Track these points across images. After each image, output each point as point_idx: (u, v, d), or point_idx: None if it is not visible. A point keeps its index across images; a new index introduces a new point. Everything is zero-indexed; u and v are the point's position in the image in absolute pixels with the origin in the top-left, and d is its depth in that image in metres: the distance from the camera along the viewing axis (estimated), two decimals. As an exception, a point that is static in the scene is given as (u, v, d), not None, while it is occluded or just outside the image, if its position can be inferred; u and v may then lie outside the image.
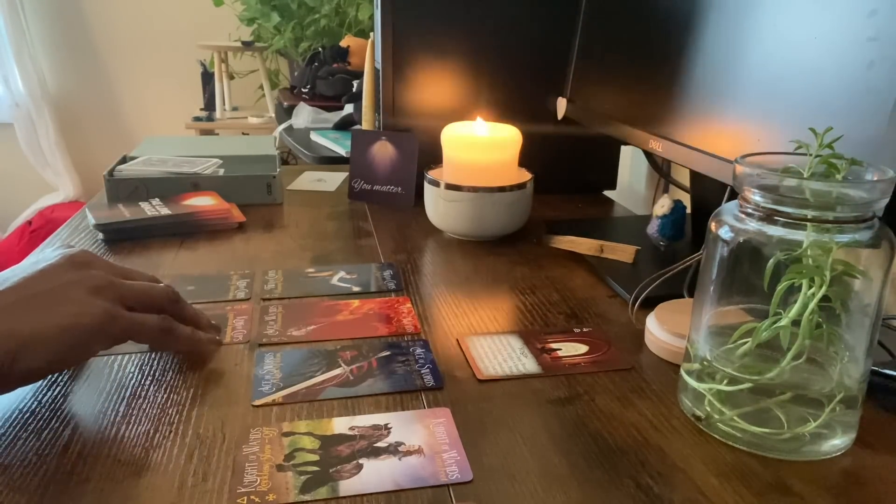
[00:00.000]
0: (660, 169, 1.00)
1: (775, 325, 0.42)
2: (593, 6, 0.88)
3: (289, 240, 0.82)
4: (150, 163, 0.97)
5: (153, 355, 0.55)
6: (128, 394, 0.49)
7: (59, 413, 0.47)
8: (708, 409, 0.46)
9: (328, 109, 1.68)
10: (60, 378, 0.51)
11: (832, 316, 0.41)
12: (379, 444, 0.44)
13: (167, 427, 0.46)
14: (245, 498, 0.39)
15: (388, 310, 0.64)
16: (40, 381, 0.50)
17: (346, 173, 1.11)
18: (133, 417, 0.47)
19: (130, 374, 0.52)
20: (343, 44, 1.96)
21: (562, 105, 0.93)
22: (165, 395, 0.49)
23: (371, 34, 1.06)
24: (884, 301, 0.42)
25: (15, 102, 2.68)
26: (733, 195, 0.51)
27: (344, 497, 0.39)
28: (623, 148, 1.09)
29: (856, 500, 0.40)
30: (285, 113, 1.81)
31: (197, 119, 2.60)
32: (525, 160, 0.85)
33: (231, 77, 2.63)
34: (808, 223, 0.40)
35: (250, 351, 0.56)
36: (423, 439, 0.44)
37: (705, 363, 0.46)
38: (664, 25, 0.72)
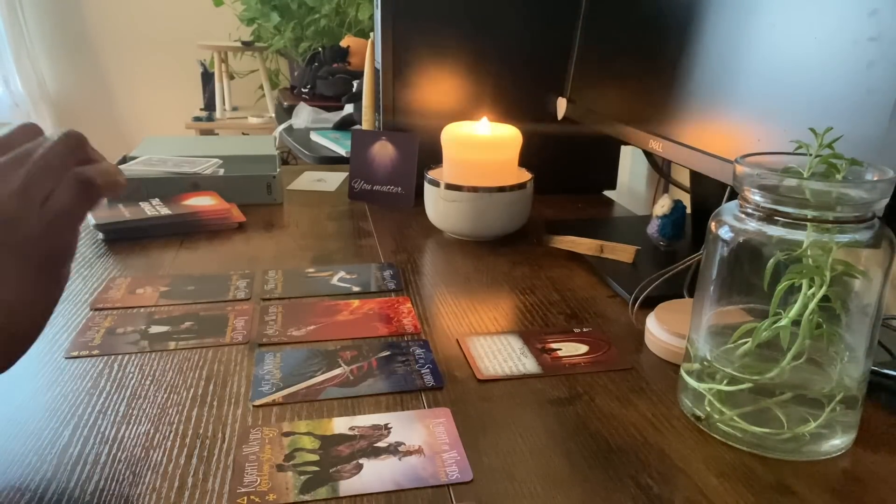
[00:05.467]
0: (660, 169, 1.00)
1: (775, 325, 0.42)
2: (594, 6, 0.88)
3: (289, 240, 0.82)
4: (150, 163, 0.97)
5: (153, 355, 0.55)
6: (128, 394, 0.49)
7: (58, 413, 0.47)
8: (708, 409, 0.46)
9: (328, 109, 1.68)
10: (60, 378, 0.51)
11: (832, 316, 0.41)
12: (379, 444, 0.44)
13: (167, 427, 0.46)
14: (245, 498, 0.39)
15: (388, 310, 0.63)
16: (40, 381, 0.51)
17: (346, 173, 1.11)
18: (133, 417, 0.47)
19: (130, 374, 0.52)
20: (343, 44, 1.97)
21: (562, 105, 0.93)
22: (165, 395, 0.49)
23: (371, 34, 1.06)
24: (884, 301, 0.42)
25: (14, 102, 2.68)
26: (733, 195, 0.51)
27: (344, 497, 0.39)
28: (623, 148, 1.09)
29: (856, 500, 0.40)
30: (285, 113, 1.81)
31: (197, 119, 2.60)
32: (525, 160, 0.85)
33: (231, 77, 2.63)
34: (808, 223, 0.40)
35: (250, 351, 0.56)
36: (423, 439, 0.44)
37: (705, 363, 0.46)
38: (664, 25, 0.72)
